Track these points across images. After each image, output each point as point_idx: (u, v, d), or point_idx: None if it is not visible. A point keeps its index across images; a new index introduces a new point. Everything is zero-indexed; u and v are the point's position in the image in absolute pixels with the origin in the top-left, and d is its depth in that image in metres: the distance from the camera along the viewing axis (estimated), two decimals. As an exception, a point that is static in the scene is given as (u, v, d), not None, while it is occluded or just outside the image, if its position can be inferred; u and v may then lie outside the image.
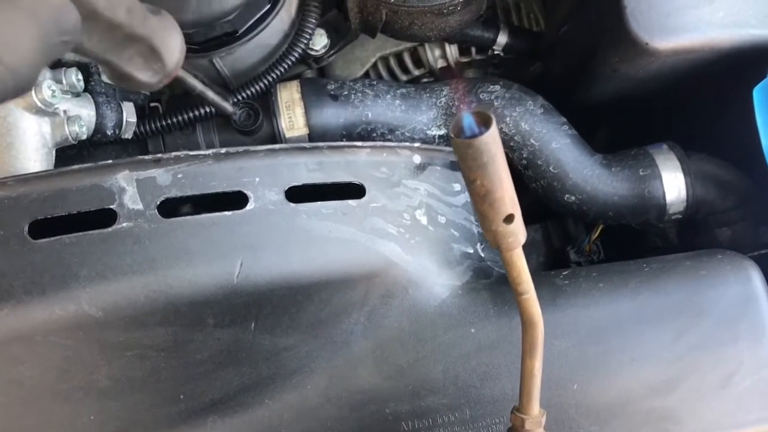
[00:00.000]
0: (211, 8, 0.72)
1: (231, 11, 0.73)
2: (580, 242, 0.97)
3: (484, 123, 0.42)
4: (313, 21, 0.81)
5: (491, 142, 0.42)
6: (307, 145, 0.67)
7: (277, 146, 0.66)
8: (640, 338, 0.72)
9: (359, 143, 0.69)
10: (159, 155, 0.62)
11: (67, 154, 0.79)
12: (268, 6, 0.78)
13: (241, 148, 0.64)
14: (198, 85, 0.71)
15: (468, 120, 0.43)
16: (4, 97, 0.39)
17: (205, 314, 0.63)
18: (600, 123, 1.08)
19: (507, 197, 0.45)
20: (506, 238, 0.47)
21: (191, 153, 0.63)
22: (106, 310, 0.60)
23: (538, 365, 0.55)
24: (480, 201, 0.45)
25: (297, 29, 0.82)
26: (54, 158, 0.70)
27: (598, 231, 0.96)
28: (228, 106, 0.79)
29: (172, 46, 0.54)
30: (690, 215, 0.88)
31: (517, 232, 0.47)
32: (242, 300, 0.63)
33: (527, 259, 0.98)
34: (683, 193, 0.86)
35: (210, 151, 0.63)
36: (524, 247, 0.98)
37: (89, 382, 0.63)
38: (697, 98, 0.88)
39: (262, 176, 0.65)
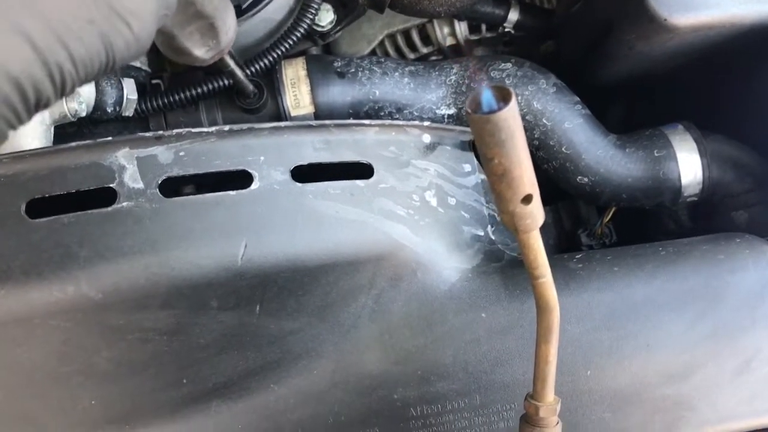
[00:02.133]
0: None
1: (234, -16, 0.71)
2: (592, 225, 0.95)
3: (503, 98, 0.40)
4: (319, -5, 0.79)
5: (510, 117, 0.40)
6: (313, 123, 0.64)
7: (282, 124, 0.63)
8: (655, 324, 0.70)
9: (367, 121, 0.67)
10: (160, 132, 0.60)
11: (67, 131, 0.77)
12: (273, -21, 0.76)
13: (245, 126, 0.62)
14: (231, 63, 0.70)
15: (487, 95, 0.40)
16: (125, 61, 0.41)
17: (209, 297, 0.61)
18: (614, 101, 1.06)
19: (526, 177, 0.43)
20: (524, 220, 0.45)
21: (193, 130, 0.60)
22: (106, 292, 0.58)
23: (553, 351, 0.53)
24: (497, 180, 0.43)
25: (303, 4, 0.79)
26: (52, 135, 0.68)
27: (611, 213, 0.93)
28: (250, 86, 0.77)
29: (229, 24, 0.56)
30: (706, 198, 0.86)
31: (535, 214, 0.45)
32: (247, 282, 0.61)
33: (537, 242, 0.96)
34: (699, 175, 0.84)
35: (213, 129, 0.61)
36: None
37: (89, 366, 0.62)
38: (715, 76, 0.86)
39: (268, 155, 0.63)
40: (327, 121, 0.65)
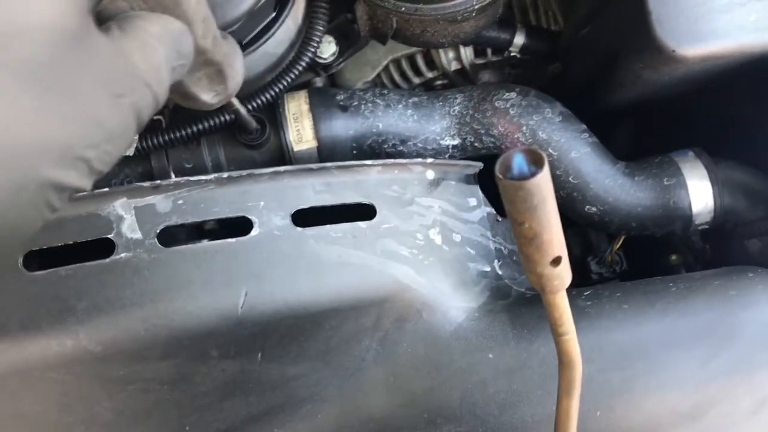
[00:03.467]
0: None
1: (234, 22, 0.70)
2: (602, 252, 0.93)
3: (535, 162, 0.39)
4: (321, 28, 0.77)
5: (543, 183, 0.39)
6: (314, 166, 0.63)
7: (282, 168, 0.62)
8: (666, 362, 0.68)
9: (369, 161, 0.66)
10: (158, 182, 0.59)
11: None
12: (273, 14, 0.75)
13: (244, 172, 0.61)
14: (235, 101, 0.69)
15: (518, 158, 0.39)
16: (144, 122, 0.40)
17: (209, 346, 0.60)
18: (620, 125, 1.04)
19: (556, 239, 0.42)
20: (552, 281, 0.44)
21: (192, 178, 0.60)
22: (105, 344, 0.57)
23: (574, 405, 0.52)
24: (526, 244, 0.42)
25: (304, 37, 0.78)
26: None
27: (621, 241, 0.92)
28: (253, 122, 0.76)
29: (237, 69, 0.55)
30: (717, 226, 0.84)
31: (564, 275, 0.44)
32: (248, 331, 0.60)
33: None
34: (710, 204, 0.82)
35: (212, 176, 0.60)
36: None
37: (91, 416, 0.61)
38: (726, 103, 0.84)
39: (267, 200, 0.62)
40: (328, 164, 0.64)
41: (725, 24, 0.70)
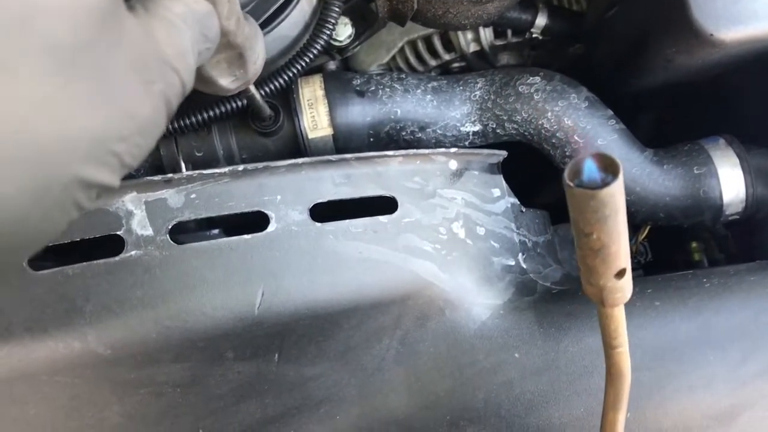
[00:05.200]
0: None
1: (247, 3, 0.66)
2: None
3: (608, 169, 0.36)
4: (336, 10, 0.73)
5: (617, 193, 0.36)
6: (333, 157, 0.60)
7: (300, 160, 0.59)
8: (700, 363, 0.65)
9: (390, 152, 0.63)
10: (170, 175, 0.56)
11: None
12: (288, -5, 0.71)
13: (260, 165, 0.58)
14: (252, 88, 0.65)
15: (589, 164, 0.36)
16: (173, 112, 0.36)
17: (224, 348, 0.57)
18: (644, 109, 1.00)
19: (622, 251, 0.39)
20: (614, 294, 0.42)
21: (205, 171, 0.56)
22: (114, 347, 0.54)
23: (621, 419, 0.50)
24: (592, 255, 0.39)
25: (319, 18, 0.74)
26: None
27: (646, 231, 0.88)
28: (267, 109, 0.72)
29: (258, 53, 0.52)
30: (748, 216, 0.81)
31: (626, 288, 0.42)
32: (264, 331, 0.57)
33: (568, 259, 0.92)
34: (742, 193, 0.79)
35: (227, 169, 0.57)
36: (565, 245, 0.92)
37: (100, 420, 0.58)
38: (760, 87, 0.80)
39: (284, 194, 0.58)
40: (348, 155, 0.61)
41: (766, 5, 0.66)
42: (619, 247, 0.39)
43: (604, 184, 0.35)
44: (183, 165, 0.75)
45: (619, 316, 0.44)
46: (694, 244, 0.98)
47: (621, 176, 0.35)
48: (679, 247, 0.99)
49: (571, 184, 0.36)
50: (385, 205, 0.62)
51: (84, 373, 0.55)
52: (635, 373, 0.65)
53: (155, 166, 0.75)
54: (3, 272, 0.52)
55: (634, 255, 0.89)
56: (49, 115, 0.27)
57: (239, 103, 0.73)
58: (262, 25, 0.71)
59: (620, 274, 0.41)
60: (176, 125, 0.72)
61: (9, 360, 0.53)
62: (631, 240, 0.89)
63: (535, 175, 0.95)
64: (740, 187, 0.78)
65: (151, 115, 0.33)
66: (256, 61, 0.53)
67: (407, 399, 0.64)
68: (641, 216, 0.81)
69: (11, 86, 0.26)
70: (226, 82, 0.52)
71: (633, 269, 0.89)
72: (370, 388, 0.64)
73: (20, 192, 0.27)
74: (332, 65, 0.89)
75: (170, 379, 0.57)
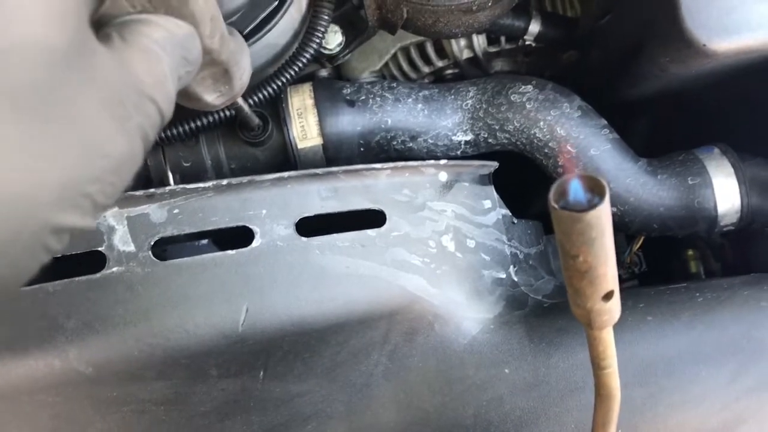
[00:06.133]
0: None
1: (235, 12, 0.65)
2: (621, 253, 0.89)
3: (593, 190, 0.35)
4: (326, 18, 0.72)
5: (603, 215, 0.35)
6: (319, 171, 0.59)
7: (285, 174, 0.58)
8: (692, 378, 0.64)
9: (378, 165, 0.62)
10: (152, 190, 0.55)
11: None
12: (276, 3, 0.70)
13: (245, 178, 0.57)
14: (239, 99, 0.64)
15: (575, 185, 0.35)
16: (151, 143, 0.34)
17: (208, 365, 0.56)
18: (638, 117, 0.99)
19: (610, 273, 0.38)
20: (602, 316, 0.41)
21: (189, 186, 0.55)
22: (96, 365, 0.54)
23: None
24: (578, 277, 0.38)
25: (308, 27, 0.73)
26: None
27: (640, 242, 0.87)
28: (255, 119, 0.71)
29: (243, 68, 0.51)
30: (744, 227, 0.80)
31: (614, 310, 0.41)
32: (249, 348, 0.56)
33: (561, 269, 0.91)
34: (737, 204, 0.78)
35: (210, 183, 0.56)
36: (558, 254, 0.91)
37: (82, 437, 0.57)
38: (754, 97, 0.79)
39: (270, 208, 0.57)
40: (335, 168, 0.60)
41: (759, 15, 0.65)
42: (606, 269, 0.38)
43: (591, 205, 0.34)
44: (170, 175, 0.74)
45: (607, 337, 0.43)
46: (690, 252, 0.97)
47: (607, 198, 0.34)
48: (675, 256, 0.98)
49: (556, 206, 0.35)
50: (373, 219, 0.61)
51: (65, 392, 0.54)
52: (627, 388, 0.64)
53: (142, 176, 0.74)
54: None
55: (629, 265, 0.89)
56: (11, 162, 0.26)
57: (227, 113, 0.72)
58: (250, 34, 0.70)
59: (608, 296, 0.40)
60: (163, 135, 0.71)
61: (-13, 379, 0.52)
62: (625, 250, 0.89)
63: (528, 184, 0.94)
64: (735, 198, 0.78)
65: (127, 151, 0.31)
66: (242, 77, 0.51)
67: (396, 415, 0.63)
68: (635, 226, 0.80)
69: None
70: (212, 98, 0.51)
71: (627, 279, 0.89)
72: (358, 404, 0.63)
73: None
74: (323, 73, 0.88)
75: (153, 397, 0.56)
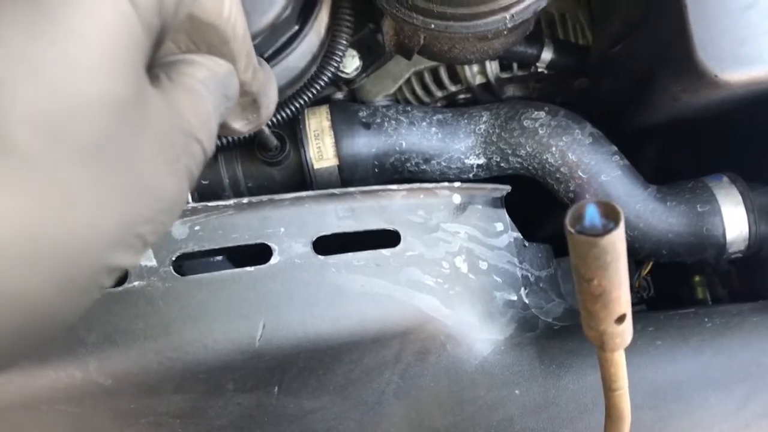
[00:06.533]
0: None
1: (256, 36, 0.67)
2: (630, 277, 0.90)
3: (609, 215, 0.36)
4: (344, 42, 0.74)
5: (618, 240, 0.36)
6: (337, 191, 0.60)
7: (304, 193, 0.59)
8: (702, 403, 0.65)
9: (394, 186, 0.63)
10: (175, 207, 0.56)
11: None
12: (296, 28, 0.72)
13: (265, 197, 0.58)
14: None
15: (591, 210, 0.36)
16: (196, 177, 0.35)
17: (225, 380, 0.57)
18: (648, 144, 1.01)
19: (623, 297, 0.39)
20: (614, 339, 0.42)
21: (210, 204, 0.57)
22: (116, 377, 0.54)
23: None
24: (592, 300, 0.39)
25: (327, 51, 0.75)
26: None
27: (649, 267, 0.88)
28: (273, 140, 0.73)
29: (271, 98, 0.52)
30: (752, 254, 0.81)
31: (626, 332, 0.42)
32: (265, 364, 0.57)
33: (571, 291, 0.92)
34: (745, 232, 0.79)
35: (231, 201, 0.57)
36: (567, 278, 0.92)
37: (99, 449, 0.58)
38: (765, 127, 0.80)
39: (288, 226, 0.59)
40: (352, 189, 0.61)
41: (770, 48, 0.66)
42: (620, 293, 0.39)
43: (606, 230, 0.36)
44: (189, 193, 0.75)
45: (618, 360, 0.44)
46: (697, 278, 0.98)
47: (622, 223, 0.36)
48: (682, 281, 0.99)
49: (573, 230, 0.36)
50: (388, 239, 0.63)
51: (85, 402, 0.55)
52: (636, 411, 0.64)
53: (161, 193, 0.76)
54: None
55: (637, 290, 0.89)
56: (78, 210, 0.27)
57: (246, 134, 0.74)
58: (271, 57, 0.72)
59: (621, 319, 0.41)
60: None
61: (10, 389, 0.53)
62: (634, 275, 0.90)
63: (538, 207, 0.95)
64: (743, 226, 0.78)
65: (176, 192, 0.32)
66: (269, 105, 0.52)
67: (407, 434, 0.64)
68: (645, 252, 0.81)
69: (43, 187, 0.26)
70: (239, 125, 0.52)
71: (635, 304, 0.89)
72: (369, 422, 0.63)
73: (45, 286, 0.27)
74: (339, 95, 0.90)
75: (171, 410, 0.57)
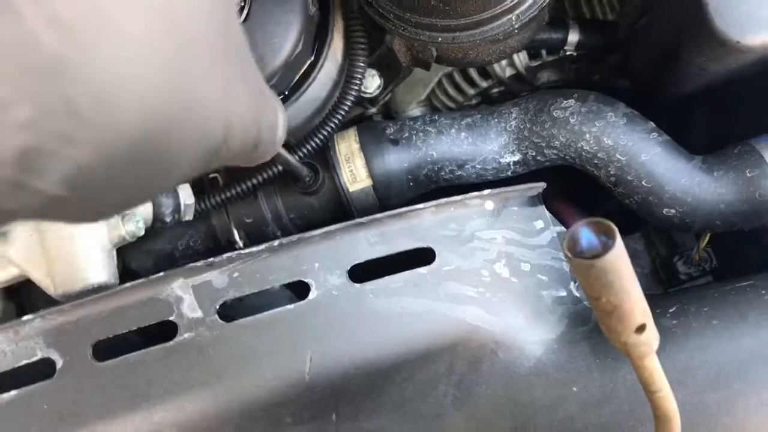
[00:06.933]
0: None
1: (271, 76, 0.69)
2: (689, 249, 0.88)
3: (605, 233, 0.36)
4: (362, 65, 0.76)
5: (616, 258, 0.36)
6: (364, 219, 0.62)
7: (333, 227, 0.61)
8: (766, 379, 0.63)
9: (421, 205, 0.64)
10: (211, 259, 0.59)
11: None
12: (311, 59, 0.73)
13: (294, 237, 0.60)
14: (282, 151, 0.68)
15: (585, 233, 0.37)
16: (251, 156, 0.45)
17: (282, 415, 0.60)
18: (696, 111, 0.97)
19: (637, 309, 0.39)
20: (638, 348, 0.42)
21: (244, 251, 0.59)
22: (180, 426, 0.58)
23: None
24: (606, 316, 0.40)
25: (347, 75, 0.77)
26: (115, 258, 0.68)
27: (707, 239, 0.86)
28: (304, 170, 0.75)
29: (281, 122, 0.53)
30: (813, 212, 0.77)
31: (650, 340, 0.42)
32: (318, 395, 0.60)
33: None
34: (802, 191, 0.75)
35: (264, 246, 0.59)
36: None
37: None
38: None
39: (322, 260, 0.61)
40: (379, 215, 0.62)
41: (794, 4, 0.63)
42: (632, 305, 0.39)
43: (606, 248, 0.36)
44: (235, 232, 0.79)
45: (650, 365, 0.44)
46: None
47: (618, 240, 0.36)
48: (751, 243, 0.95)
49: (570, 255, 0.37)
50: (423, 257, 0.64)
51: (155, 453, 0.58)
52: (700, 395, 0.64)
53: (210, 236, 0.79)
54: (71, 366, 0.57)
55: (698, 263, 0.87)
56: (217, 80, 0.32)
57: (279, 168, 0.76)
58: (291, 91, 0.74)
59: (641, 329, 0.41)
60: (225, 196, 0.76)
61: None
62: (693, 247, 0.87)
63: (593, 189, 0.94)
64: (798, 185, 0.75)
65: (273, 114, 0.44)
66: (279, 130, 0.54)
67: (470, 443, 0.65)
68: (697, 226, 0.79)
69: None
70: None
71: (699, 276, 0.87)
72: (432, 434, 0.65)
73: (185, 133, 0.31)
74: (373, 110, 0.91)
75: (235, 449, 0.60)
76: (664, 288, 0.90)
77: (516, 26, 0.65)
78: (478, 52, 0.72)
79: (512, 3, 0.64)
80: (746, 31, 0.64)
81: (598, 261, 0.36)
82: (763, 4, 0.63)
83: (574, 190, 0.97)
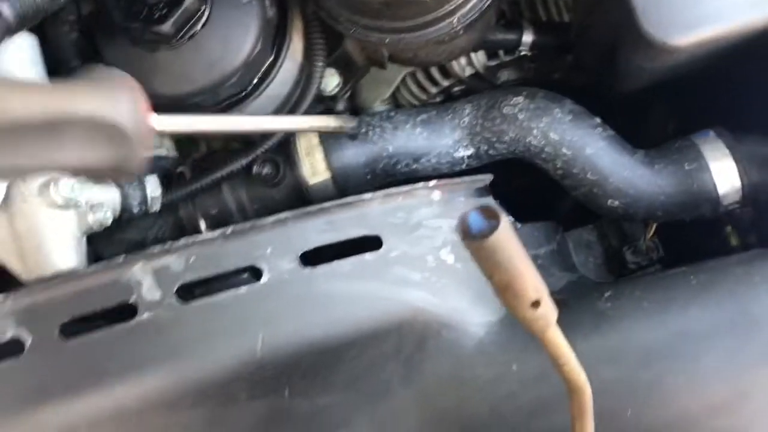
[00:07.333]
0: (211, 77, 0.72)
1: (232, 74, 0.73)
2: (638, 240, 0.92)
3: (491, 217, 0.41)
4: (321, 64, 0.80)
5: (503, 238, 0.40)
6: (312, 208, 0.66)
7: (283, 215, 0.65)
8: (694, 357, 0.67)
9: (369, 194, 0.68)
10: (169, 243, 0.63)
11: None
12: (271, 59, 0.78)
13: (248, 224, 0.65)
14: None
15: (474, 218, 0.41)
16: None
17: (236, 390, 0.64)
18: (652, 105, 1.02)
19: (529, 286, 0.43)
20: (536, 322, 0.46)
21: (199, 237, 0.64)
22: (140, 399, 0.62)
23: (589, 427, 0.54)
24: (502, 293, 0.44)
25: (306, 74, 0.81)
26: (85, 246, 0.73)
27: (653, 229, 0.90)
28: (267, 165, 0.80)
29: None
30: (751, 202, 0.82)
31: (547, 314, 0.46)
32: (270, 372, 0.64)
33: (584, 262, 0.94)
34: (737, 182, 0.80)
35: (218, 232, 0.64)
36: (580, 249, 0.94)
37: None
38: (743, 77, 0.81)
39: (274, 246, 0.65)
40: (327, 203, 0.66)
41: (715, 7, 0.68)
42: (524, 282, 0.43)
43: (492, 229, 0.40)
44: (202, 222, 0.83)
45: (552, 338, 0.48)
46: (729, 229, 0.98)
47: (503, 220, 0.40)
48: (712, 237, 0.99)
49: (461, 237, 0.41)
50: (371, 244, 0.68)
51: (117, 423, 0.63)
52: (630, 374, 0.68)
53: (178, 227, 0.84)
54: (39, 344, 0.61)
55: (646, 252, 0.91)
56: None
57: (244, 162, 0.81)
58: (252, 89, 0.78)
59: (536, 304, 0.44)
60: (188, 190, 0.80)
61: (51, 417, 0.62)
62: (640, 238, 0.92)
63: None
64: (734, 177, 0.80)
65: None
66: None
67: (417, 417, 0.69)
68: (640, 216, 0.83)
69: None
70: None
71: (646, 266, 0.91)
72: (381, 410, 0.69)
73: None
74: (340, 106, 0.95)
75: (191, 422, 0.64)
76: (615, 277, 0.95)
77: (458, 28, 0.70)
78: (427, 52, 0.76)
79: (453, 6, 0.68)
80: (672, 33, 0.68)
81: (485, 241, 0.40)
82: (688, 6, 0.67)
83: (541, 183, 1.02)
